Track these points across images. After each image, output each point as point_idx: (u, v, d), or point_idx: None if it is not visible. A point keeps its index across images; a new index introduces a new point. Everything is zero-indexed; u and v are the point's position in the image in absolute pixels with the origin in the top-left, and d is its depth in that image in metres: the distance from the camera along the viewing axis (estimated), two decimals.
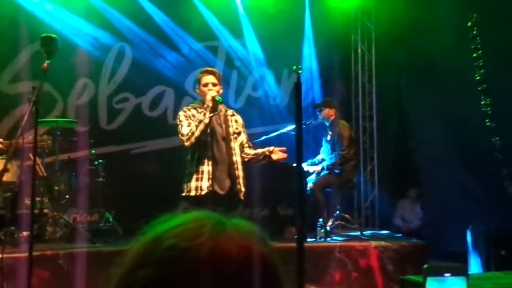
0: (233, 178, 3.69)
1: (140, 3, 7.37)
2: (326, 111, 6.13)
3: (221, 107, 3.82)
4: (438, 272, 1.71)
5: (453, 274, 1.72)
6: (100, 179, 5.93)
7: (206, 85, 3.74)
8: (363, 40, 8.24)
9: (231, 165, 3.66)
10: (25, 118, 3.03)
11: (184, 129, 3.63)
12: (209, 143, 3.58)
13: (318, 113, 6.25)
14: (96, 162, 5.94)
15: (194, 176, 3.66)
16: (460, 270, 1.76)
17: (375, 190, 7.82)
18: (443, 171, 7.06)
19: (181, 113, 3.77)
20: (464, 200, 6.63)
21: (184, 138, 3.62)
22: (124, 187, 6.57)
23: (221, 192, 3.61)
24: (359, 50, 8.24)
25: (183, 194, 3.72)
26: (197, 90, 3.86)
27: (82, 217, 5.65)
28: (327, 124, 6.18)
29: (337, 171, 5.88)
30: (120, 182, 6.49)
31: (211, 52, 7.77)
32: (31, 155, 3.81)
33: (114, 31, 7.24)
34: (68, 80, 6.87)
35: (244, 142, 3.87)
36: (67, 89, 6.99)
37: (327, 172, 5.92)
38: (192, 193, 3.65)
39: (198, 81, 3.85)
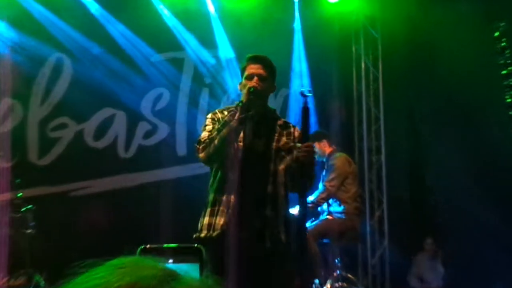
0: (267, 218, 3.27)
1: (84, 4, 7.42)
2: (317, 146, 6.21)
3: (267, 113, 3.55)
4: None
5: None
6: (29, 231, 5.83)
7: (250, 77, 3.43)
8: (367, 52, 8.32)
9: (268, 198, 3.27)
10: None
11: (203, 134, 3.42)
12: (236, 160, 3.21)
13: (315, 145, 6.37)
14: (23, 209, 5.85)
15: (209, 209, 3.32)
16: None
17: (385, 242, 7.80)
18: (468, 216, 7.10)
19: (207, 116, 3.56)
20: (496, 251, 6.68)
21: (199, 147, 3.30)
22: (60, 240, 6.47)
23: (245, 236, 3.10)
24: (363, 65, 8.31)
25: (194, 236, 3.38)
26: (239, 86, 3.58)
27: (1, 281, 5.49)
28: (324, 160, 6.27)
29: (338, 216, 5.97)
30: (55, 234, 6.38)
31: (174, 66, 7.83)
32: None
33: (50, 38, 7.22)
34: None
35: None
36: None
37: (325, 217, 6.01)
38: (203, 234, 3.29)
39: (242, 72, 3.55)
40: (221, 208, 3.26)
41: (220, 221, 3.24)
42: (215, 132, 3.29)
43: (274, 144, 3.41)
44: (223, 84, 7.89)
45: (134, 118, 7.56)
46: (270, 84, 3.51)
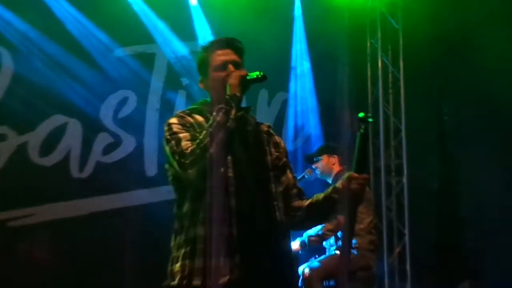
0: (271, 256, 3.13)
1: None
2: (325, 160, 6.28)
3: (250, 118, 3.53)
4: None
5: None
6: None
7: (221, 67, 3.34)
8: (385, 47, 8.33)
9: (277, 229, 3.22)
10: None
11: (183, 142, 3.19)
12: (229, 178, 3.16)
13: (314, 167, 6.35)
14: None
15: (188, 247, 3.14)
16: None
17: (407, 286, 7.68)
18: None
19: (172, 122, 3.30)
20: None
21: (186, 161, 3.10)
22: None
23: (254, 280, 3.05)
24: (379, 63, 8.32)
25: (164, 283, 3.15)
26: (202, 84, 3.48)
27: None
28: (330, 181, 6.21)
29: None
30: None
31: (143, 63, 7.78)
32: None
33: None
34: None
35: (291, 186, 3.43)
36: None
37: (332, 253, 6.00)
38: (177, 281, 3.10)
39: (203, 64, 3.44)
40: (207, 245, 3.04)
41: (198, 262, 3.05)
42: (207, 138, 3.07)
43: (268, 158, 3.35)
44: None
45: (92, 128, 7.46)
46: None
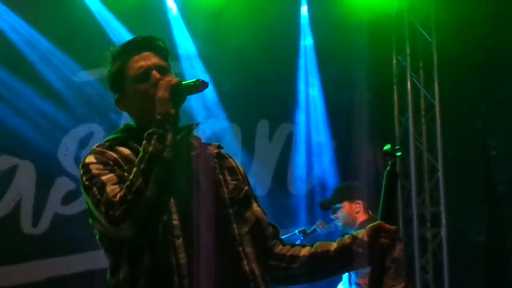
0: None
1: None
2: (346, 208, 6.24)
3: (192, 138, 3.34)
4: None
5: None
6: None
7: (142, 76, 3.18)
8: (415, 65, 8.40)
9: (247, 284, 3.15)
10: None
11: (108, 187, 3.02)
12: (175, 227, 3.02)
13: (332, 215, 6.33)
14: None
15: None
16: None
17: None
18: None
19: (89, 161, 3.13)
20: None
21: (116, 211, 2.95)
22: None
23: None
24: (409, 85, 8.38)
25: None
26: (120, 105, 3.32)
27: None
28: (351, 232, 6.16)
29: None
30: None
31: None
32: None
33: None
34: None
35: (261, 224, 3.36)
36: None
37: None
38: None
39: (116, 78, 3.29)
40: None
41: None
42: (139, 178, 2.95)
43: (223, 190, 3.23)
44: (189, 114, 7.64)
45: (48, 171, 7.53)
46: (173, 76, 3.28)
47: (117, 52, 3.21)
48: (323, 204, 6.56)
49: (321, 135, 8.45)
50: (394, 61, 8.54)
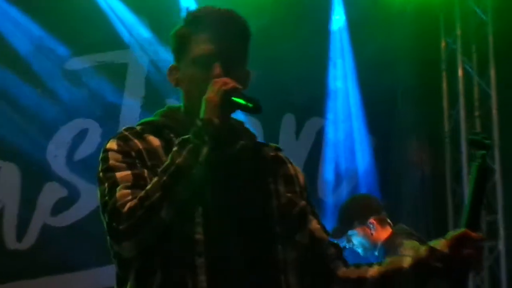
0: None
1: None
2: (360, 232, 6.12)
3: (245, 134, 3.30)
4: None
5: None
6: None
7: (202, 63, 3.11)
8: (467, 49, 8.44)
9: None
10: None
11: (119, 191, 2.98)
12: (197, 242, 2.91)
13: (346, 244, 6.13)
14: None
15: None
16: None
17: None
18: None
19: (110, 147, 3.10)
20: None
21: (118, 226, 2.89)
22: None
23: None
24: (460, 73, 8.42)
25: None
26: (172, 76, 3.25)
27: None
28: (376, 253, 6.14)
29: None
30: None
31: (110, 77, 7.95)
32: None
33: None
34: None
35: (321, 244, 3.31)
36: None
37: None
38: None
39: (181, 45, 3.20)
40: None
41: None
42: (157, 192, 2.87)
43: (274, 203, 3.15)
44: None
45: (35, 176, 7.57)
46: (245, 73, 3.24)
47: (190, 18, 3.14)
48: (333, 234, 6.47)
49: (357, 131, 8.47)
50: (443, 44, 8.58)
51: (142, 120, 3.20)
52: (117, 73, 7.91)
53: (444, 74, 8.57)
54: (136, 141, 3.03)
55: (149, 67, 7.99)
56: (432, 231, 8.03)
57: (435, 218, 8.47)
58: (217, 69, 2.98)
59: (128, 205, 2.81)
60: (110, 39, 7.90)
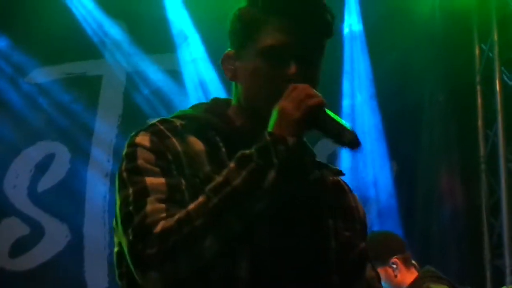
0: None
1: None
2: (382, 274, 6.02)
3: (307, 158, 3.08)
4: None
5: None
6: None
7: (274, 58, 2.91)
8: (505, 56, 8.29)
9: None
10: None
11: (150, 204, 2.81)
12: (240, 285, 2.77)
13: None
14: None
15: None
16: None
17: None
18: None
19: (139, 142, 2.89)
20: None
21: (145, 251, 2.76)
22: None
23: None
24: (497, 83, 8.23)
25: None
26: (228, 65, 3.02)
27: None
28: None
29: None
30: None
31: (81, 92, 8.10)
32: None
33: None
34: None
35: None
36: None
37: None
38: None
39: (247, 27, 2.98)
40: None
41: None
42: (202, 217, 2.67)
43: (332, 245, 2.94)
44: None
45: None
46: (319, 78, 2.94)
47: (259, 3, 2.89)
48: None
49: (376, 155, 8.39)
50: (477, 52, 8.41)
51: (180, 112, 2.99)
52: (90, 87, 8.03)
53: (479, 87, 8.36)
54: (174, 139, 2.81)
55: (128, 80, 8.05)
56: (465, 274, 7.93)
57: (468, 258, 8.37)
58: (292, 68, 2.73)
59: (161, 224, 2.65)
60: (82, 46, 8.04)
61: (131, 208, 2.68)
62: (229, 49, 2.90)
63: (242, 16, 2.89)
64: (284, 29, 2.81)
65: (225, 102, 2.96)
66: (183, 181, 2.73)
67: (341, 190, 3.01)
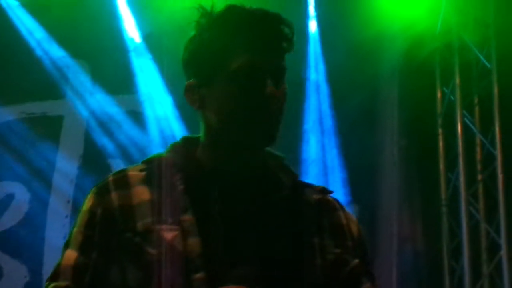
0: None
1: None
2: None
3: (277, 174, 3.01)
4: None
5: None
6: None
7: (250, 79, 2.91)
8: (467, 100, 8.34)
9: None
10: None
11: (53, 283, 2.89)
12: None
13: None
14: None
15: None
16: None
17: None
18: None
19: (85, 202, 2.97)
20: None
21: None
22: None
23: None
24: (459, 127, 8.27)
25: None
26: (193, 96, 3.01)
27: None
28: None
29: None
30: None
31: (40, 132, 8.09)
32: None
33: None
34: None
35: None
36: None
37: None
38: None
39: (211, 53, 2.98)
40: None
41: None
42: None
43: (318, 261, 2.89)
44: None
45: None
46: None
47: (220, 22, 2.92)
48: None
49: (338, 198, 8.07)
50: (439, 95, 8.52)
51: (153, 155, 3.00)
52: (51, 127, 8.04)
53: (440, 130, 8.47)
54: (113, 194, 2.85)
55: (89, 120, 8.03)
56: None
57: None
58: (269, 85, 2.82)
59: None
60: (42, 86, 7.99)
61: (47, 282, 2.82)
62: (191, 79, 2.91)
63: (201, 43, 2.91)
64: (252, 48, 2.84)
65: (195, 140, 2.96)
66: (95, 256, 2.78)
67: (329, 208, 2.96)
